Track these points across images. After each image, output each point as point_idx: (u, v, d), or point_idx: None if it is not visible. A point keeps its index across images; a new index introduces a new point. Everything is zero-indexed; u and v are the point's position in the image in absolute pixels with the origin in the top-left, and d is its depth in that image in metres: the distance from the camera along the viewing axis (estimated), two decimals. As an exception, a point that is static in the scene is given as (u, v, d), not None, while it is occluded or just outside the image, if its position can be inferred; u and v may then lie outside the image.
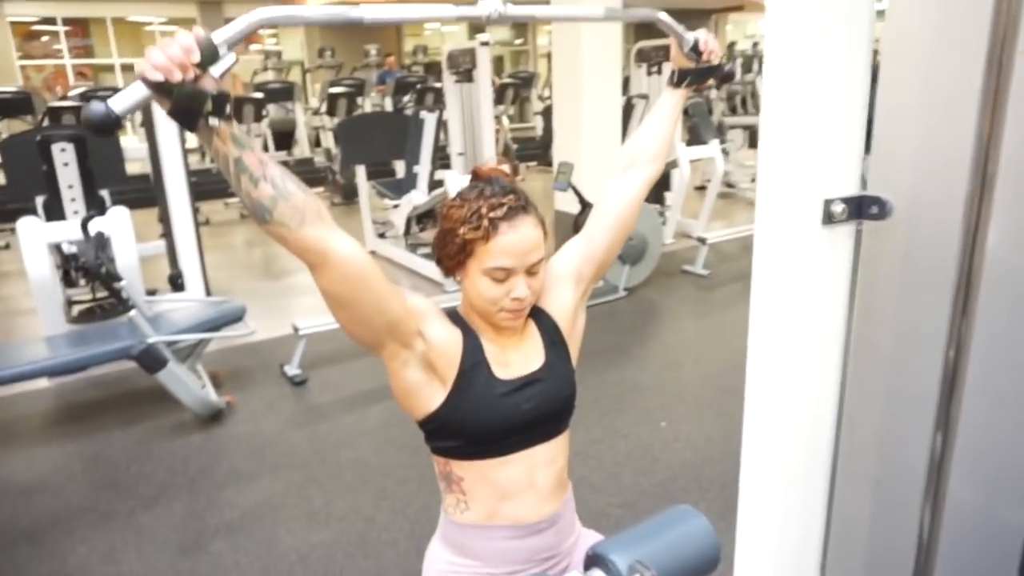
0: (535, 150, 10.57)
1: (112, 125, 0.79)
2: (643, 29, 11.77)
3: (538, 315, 1.18)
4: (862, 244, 0.67)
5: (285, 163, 9.52)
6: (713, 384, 3.27)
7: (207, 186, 7.03)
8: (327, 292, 1.01)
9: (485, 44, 5.34)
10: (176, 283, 4.30)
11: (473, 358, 1.10)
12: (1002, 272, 0.57)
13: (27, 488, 2.66)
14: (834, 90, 0.60)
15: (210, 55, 0.80)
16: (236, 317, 3.25)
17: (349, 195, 8.20)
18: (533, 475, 1.14)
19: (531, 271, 1.08)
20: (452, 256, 1.09)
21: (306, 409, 3.24)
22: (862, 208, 0.64)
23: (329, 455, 2.79)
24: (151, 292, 4.18)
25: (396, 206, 5.49)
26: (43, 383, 3.51)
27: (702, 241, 5.08)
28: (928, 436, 0.67)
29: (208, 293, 4.33)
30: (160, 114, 4.11)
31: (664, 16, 1.25)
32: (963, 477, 0.66)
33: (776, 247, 0.62)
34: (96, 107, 0.78)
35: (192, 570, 2.16)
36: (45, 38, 14.11)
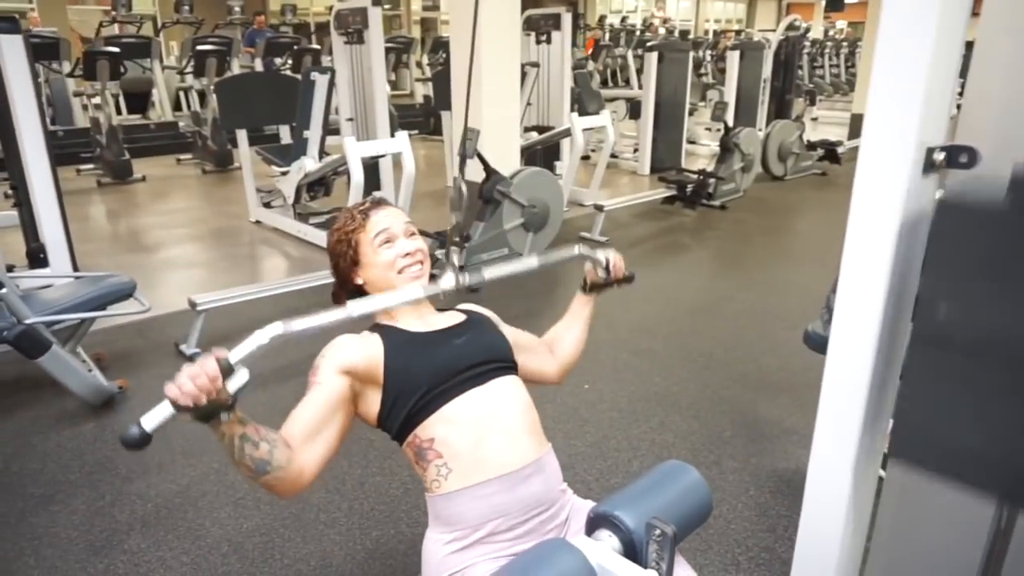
0: (416, 118, 10.34)
1: (148, 442, 0.92)
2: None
3: (468, 312, 1.38)
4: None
5: (143, 126, 8.75)
6: (626, 346, 3.37)
7: (56, 151, 6.31)
8: (331, 456, 1.19)
9: (377, 3, 5.12)
10: (38, 258, 3.83)
11: (392, 337, 1.24)
12: None
13: None
14: (937, 49, 0.61)
15: (228, 374, 0.95)
16: (125, 293, 2.94)
17: (222, 161, 7.66)
18: (496, 409, 1.19)
19: (409, 233, 1.32)
20: (347, 257, 1.31)
21: (211, 390, 3.01)
22: (953, 157, 0.66)
23: (246, 437, 2.61)
24: (8, 268, 3.69)
25: (284, 173, 5.18)
26: None
27: (599, 208, 5.20)
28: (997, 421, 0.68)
29: (75, 269, 3.89)
30: (10, 63, 3.62)
31: (585, 250, 1.50)
32: None
33: (878, 192, 0.63)
34: (132, 431, 0.91)
35: (109, 571, 1.95)
36: None
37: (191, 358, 3.18)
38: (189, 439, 2.60)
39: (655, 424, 2.71)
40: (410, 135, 4.78)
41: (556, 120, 6.46)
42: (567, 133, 5.78)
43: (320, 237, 4.95)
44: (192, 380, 0.90)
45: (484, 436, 1.16)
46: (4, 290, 2.47)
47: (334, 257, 1.34)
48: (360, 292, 1.32)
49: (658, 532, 1.10)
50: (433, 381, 1.19)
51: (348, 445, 2.57)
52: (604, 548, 1.14)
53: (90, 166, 7.34)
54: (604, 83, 12.85)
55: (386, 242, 1.29)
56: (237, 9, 11.41)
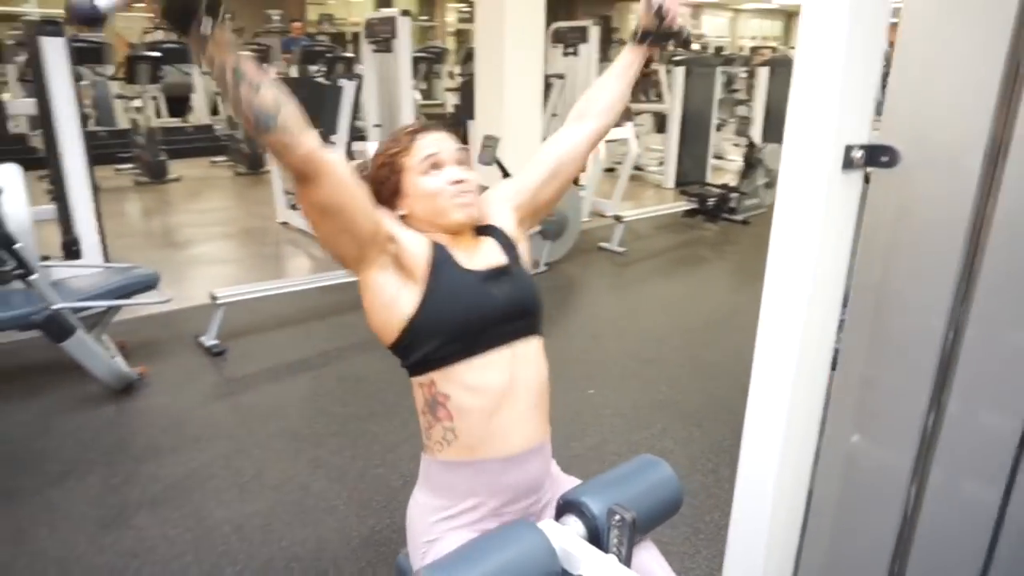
0: (447, 127, 10.46)
1: (98, 20, 0.77)
2: (559, 9, 11.86)
3: (488, 229, 1.23)
4: (868, 192, 0.73)
5: (181, 129, 8.98)
6: (634, 355, 3.40)
7: (96, 151, 6.56)
8: (320, 202, 1.01)
9: (406, 13, 5.25)
10: (71, 250, 3.99)
11: (441, 256, 1.13)
12: (1008, 235, 0.64)
13: (-88, 467, 2.42)
14: (856, 48, 0.65)
15: None
16: (148, 284, 3.06)
17: (254, 164, 7.86)
18: (515, 382, 1.14)
19: (460, 161, 1.18)
20: (387, 182, 1.18)
21: (227, 380, 3.11)
22: (874, 156, 0.70)
23: (256, 426, 2.70)
24: (43, 259, 3.85)
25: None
26: (-83, 356, 3.19)
27: (618, 219, 5.23)
28: (923, 403, 0.73)
29: (107, 261, 4.05)
30: (52, 65, 3.79)
31: None
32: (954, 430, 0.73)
33: (799, 189, 0.68)
34: (77, 3, 0.76)
35: (116, 545, 2.04)
36: None
37: (210, 350, 3.30)
38: (200, 426, 2.70)
39: (656, 431, 2.73)
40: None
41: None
42: (590, 144, 5.83)
43: (343, 239, 5.06)
44: None
45: (497, 412, 1.13)
46: (35, 276, 2.60)
47: (374, 184, 1.18)
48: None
49: (618, 518, 1.14)
50: (462, 330, 1.11)
51: (352, 429, 2.67)
52: (568, 532, 1.18)
53: (128, 166, 7.59)
54: (635, 97, 12.88)
55: (433, 167, 1.16)
56: (276, 18, 11.71)
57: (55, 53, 3.76)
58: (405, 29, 5.31)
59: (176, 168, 7.52)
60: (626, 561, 1.14)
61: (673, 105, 7.43)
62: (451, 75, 12.92)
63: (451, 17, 17.58)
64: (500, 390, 1.14)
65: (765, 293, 0.75)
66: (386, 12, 5.33)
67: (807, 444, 0.88)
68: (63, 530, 2.10)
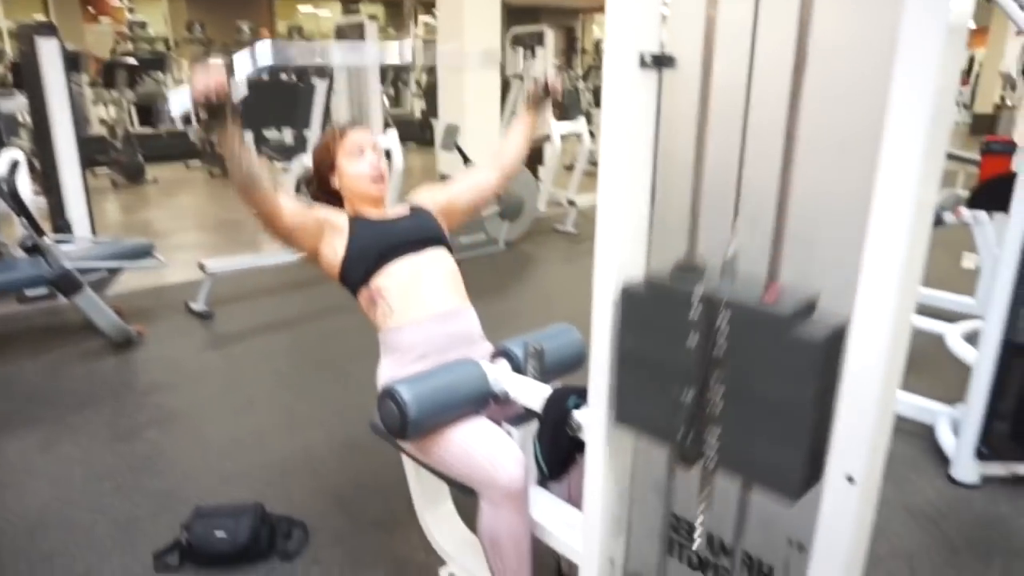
0: (413, 132, 10.90)
1: (186, 120, 1.39)
2: (516, 17, 12.38)
3: (413, 206, 1.78)
4: (663, 88, 1.17)
5: (155, 136, 9.20)
6: (582, 310, 3.81)
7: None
8: (282, 230, 1.54)
9: (373, 18, 5.66)
10: (63, 232, 4.32)
11: (357, 218, 1.66)
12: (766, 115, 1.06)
13: (-58, 403, 2.75)
14: None
15: (230, 83, 1.29)
16: (144, 251, 3.42)
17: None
18: (427, 268, 1.64)
19: (375, 149, 1.70)
20: (324, 164, 1.70)
21: (216, 336, 3.48)
22: (662, 61, 1.13)
23: (246, 369, 3.08)
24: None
25: (286, 170, 5.68)
26: (-72, 324, 3.50)
27: (571, 203, 5.69)
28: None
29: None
30: (48, 63, 4.14)
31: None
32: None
33: (611, 83, 1.10)
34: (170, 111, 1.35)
35: (131, 451, 2.41)
36: None
37: (200, 314, 3.66)
38: (196, 369, 3.07)
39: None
40: (406, 145, 5.28)
41: (540, 129, 7.00)
42: (547, 137, 6.29)
43: (317, 227, 5.44)
44: (206, 79, 1.23)
45: (417, 284, 1.61)
46: (44, 237, 2.95)
47: (316, 163, 1.73)
48: (334, 196, 1.75)
49: (532, 349, 1.57)
50: (382, 250, 1.59)
51: (332, 369, 3.06)
52: (499, 366, 1.60)
53: (105, 169, 7.86)
54: (598, 103, 13.44)
55: (358, 152, 1.67)
56: (246, 28, 12.04)
57: (50, 52, 4.10)
58: (373, 33, 5.73)
59: (152, 171, 7.81)
60: (541, 381, 1.56)
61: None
62: (418, 83, 13.35)
63: (420, 30, 18.04)
64: (415, 273, 1.64)
65: (601, 166, 1.18)
66: (355, 18, 5.75)
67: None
68: (83, 443, 2.46)
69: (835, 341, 0.87)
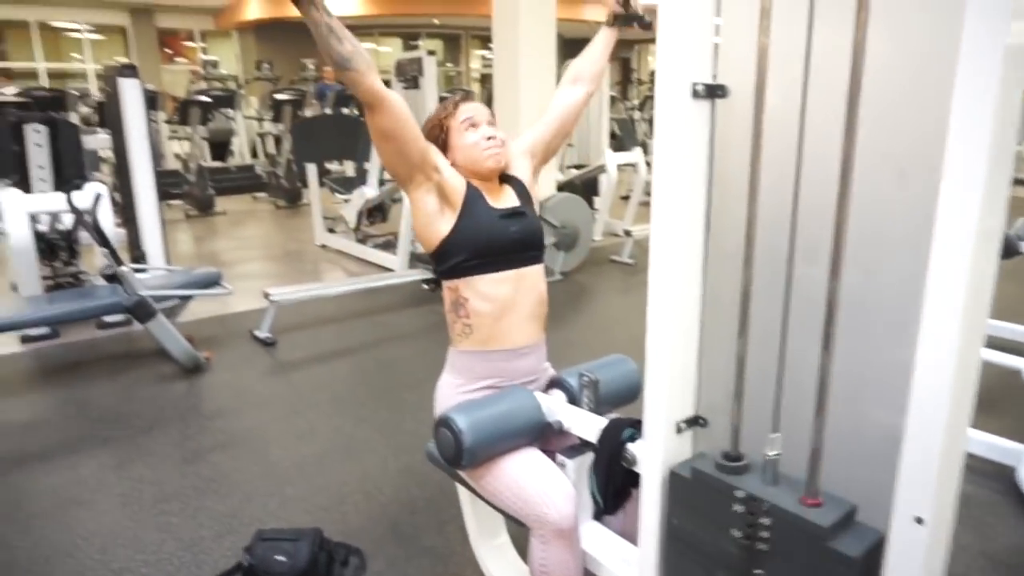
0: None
1: None
2: (572, 48, 12.56)
3: (509, 180, 1.65)
4: (716, 117, 1.17)
5: (224, 169, 9.59)
6: (638, 341, 3.78)
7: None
8: (380, 127, 1.41)
9: (431, 53, 5.83)
10: (140, 262, 4.54)
11: (474, 194, 1.53)
12: (820, 146, 1.05)
13: (28, 424, 2.91)
14: (697, 10, 1.09)
15: None
16: (213, 280, 3.57)
17: (293, 198, 8.47)
18: (521, 299, 1.55)
19: (490, 122, 1.57)
20: (439, 140, 1.56)
21: (280, 363, 3.58)
22: (715, 91, 1.14)
23: (307, 395, 3.16)
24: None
25: (347, 201, 5.86)
26: (15, 347, 3.72)
27: (628, 234, 5.67)
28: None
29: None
30: (129, 102, 4.40)
31: None
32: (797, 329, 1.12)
33: (663, 114, 1.11)
34: None
35: (197, 473, 2.49)
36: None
37: (264, 341, 3.78)
38: (260, 395, 3.16)
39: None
40: None
41: (596, 160, 7.02)
42: (603, 168, 6.32)
43: (377, 256, 5.57)
44: None
45: (504, 316, 1.54)
46: (123, 267, 3.12)
47: (430, 138, 1.55)
48: None
49: (586, 379, 1.56)
50: (483, 250, 1.49)
51: (389, 397, 3.10)
52: (554, 397, 1.60)
53: (179, 201, 8.26)
54: (652, 132, 13.41)
55: (472, 126, 1.54)
56: (310, 66, 12.55)
57: (132, 92, 4.36)
58: (431, 67, 5.89)
59: (221, 203, 8.16)
60: (595, 413, 1.55)
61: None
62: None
63: (476, 64, 18.45)
64: (506, 301, 1.54)
65: (654, 196, 1.19)
66: (414, 53, 5.93)
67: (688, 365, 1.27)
68: (153, 464, 2.56)
69: (873, 554, 0.93)
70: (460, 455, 1.44)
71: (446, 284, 1.58)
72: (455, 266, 1.52)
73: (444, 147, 1.57)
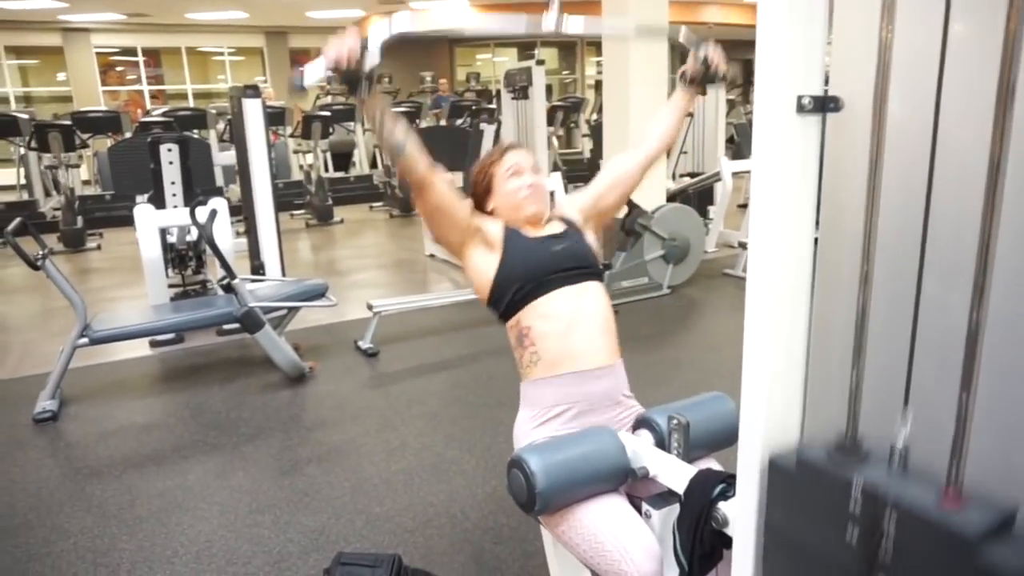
0: (583, 172, 10.96)
1: (304, 91, 1.32)
2: (686, 53, 12.15)
3: (567, 222, 1.65)
4: (826, 133, 1.00)
5: (344, 179, 10.03)
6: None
7: (276, 199, 7.62)
8: (431, 204, 1.48)
9: (540, 63, 5.77)
10: (258, 271, 4.77)
11: (511, 232, 1.56)
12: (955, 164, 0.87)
13: (147, 426, 3.09)
14: (804, 13, 0.93)
15: (364, 51, 1.28)
16: (319, 292, 3.66)
17: (407, 208, 8.68)
18: (582, 311, 1.49)
19: (534, 170, 1.61)
20: (482, 185, 1.63)
21: (379, 375, 3.62)
22: (825, 103, 0.97)
23: (402, 409, 3.16)
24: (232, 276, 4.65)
25: (454, 211, 5.91)
26: (146, 351, 3.99)
27: (743, 246, 5.34)
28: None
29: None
30: (251, 120, 4.64)
31: (687, 34, 1.67)
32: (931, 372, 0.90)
33: (762, 132, 0.96)
34: (297, 78, 1.36)
35: (292, 485, 2.53)
36: (120, 68, 15.16)
37: (366, 352, 3.84)
38: (357, 407, 3.20)
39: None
40: (576, 186, 5.28)
41: (711, 168, 6.72)
42: (718, 177, 6.02)
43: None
44: (338, 45, 1.23)
45: (570, 333, 1.48)
46: (236, 279, 3.25)
47: (474, 185, 1.65)
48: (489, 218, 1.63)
49: (675, 422, 1.41)
50: (534, 274, 1.48)
51: (482, 415, 3.05)
52: (640, 439, 1.46)
53: (301, 211, 8.69)
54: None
55: (514, 174, 1.58)
56: (428, 79, 12.90)
57: (254, 111, 4.59)
58: (540, 77, 5.84)
59: (339, 213, 8.51)
60: (684, 459, 1.40)
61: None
62: (588, 123, 13.45)
63: (591, 70, 18.32)
64: (569, 315, 1.49)
65: (751, 218, 1.03)
66: (524, 63, 5.90)
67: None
68: (253, 474, 2.63)
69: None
70: (533, 500, 1.33)
71: (508, 325, 1.56)
72: (510, 301, 1.52)
73: (487, 191, 1.62)
